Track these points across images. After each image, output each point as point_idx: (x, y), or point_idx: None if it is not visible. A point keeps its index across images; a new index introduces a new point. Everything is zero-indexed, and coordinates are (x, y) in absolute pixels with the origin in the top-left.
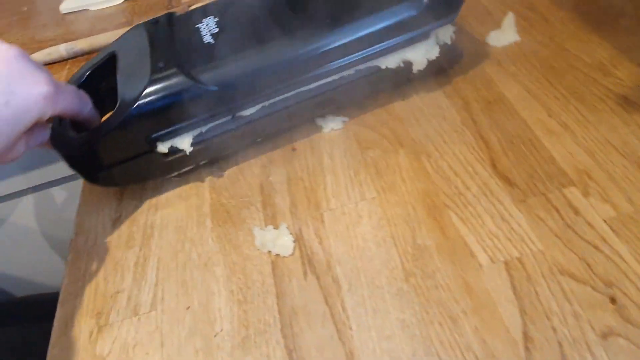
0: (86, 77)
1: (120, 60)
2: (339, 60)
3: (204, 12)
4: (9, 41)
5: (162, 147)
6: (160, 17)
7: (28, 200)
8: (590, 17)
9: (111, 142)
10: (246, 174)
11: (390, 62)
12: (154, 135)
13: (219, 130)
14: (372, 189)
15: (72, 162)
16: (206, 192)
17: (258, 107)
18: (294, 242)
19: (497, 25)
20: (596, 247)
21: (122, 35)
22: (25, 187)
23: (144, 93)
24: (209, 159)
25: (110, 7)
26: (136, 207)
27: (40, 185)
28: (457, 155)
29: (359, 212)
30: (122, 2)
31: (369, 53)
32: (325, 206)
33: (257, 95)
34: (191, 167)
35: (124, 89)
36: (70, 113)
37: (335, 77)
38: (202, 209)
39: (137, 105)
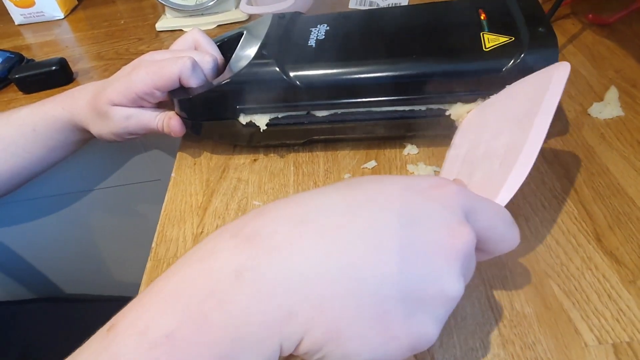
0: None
1: (243, 40)
2: (410, 94)
3: (321, 19)
4: (104, 49)
5: (243, 119)
6: (288, 13)
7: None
8: None
9: (208, 100)
10: None
11: (459, 111)
12: (240, 106)
13: (293, 120)
14: None
15: (183, 108)
16: None
17: (331, 112)
18: None
19: (599, 97)
20: None
21: (255, 20)
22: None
23: (240, 72)
24: (278, 143)
25: (204, 30)
26: (218, 227)
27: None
28: (559, 224)
29: None
30: (214, 27)
31: (437, 96)
32: None
33: (332, 102)
34: (261, 144)
35: (233, 64)
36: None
37: (405, 108)
38: None
39: (230, 80)
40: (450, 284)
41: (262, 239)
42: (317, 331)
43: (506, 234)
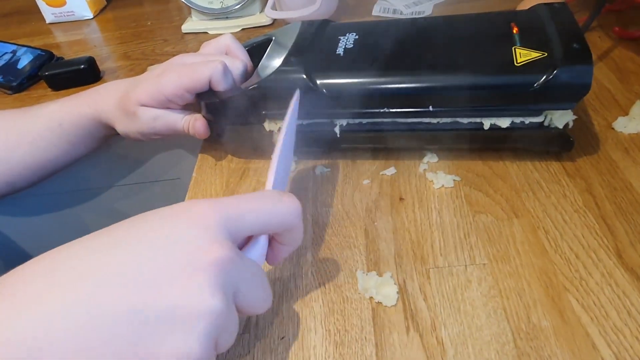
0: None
1: (272, 46)
2: (438, 107)
3: (350, 27)
4: (131, 50)
5: (268, 125)
6: (317, 20)
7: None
8: None
9: (235, 104)
10: (351, 215)
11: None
12: (265, 112)
13: (317, 128)
14: (482, 254)
15: (210, 111)
16: (309, 226)
17: (356, 121)
18: (398, 293)
19: (624, 112)
20: None
21: (284, 27)
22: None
23: (267, 78)
24: (301, 150)
25: (227, 33)
26: None
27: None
28: (579, 238)
29: (468, 276)
30: (239, 31)
31: (465, 109)
32: (432, 263)
33: (357, 111)
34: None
35: (261, 69)
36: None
37: (433, 120)
38: (303, 241)
39: (258, 85)
40: (203, 299)
41: (14, 293)
42: None
43: (272, 213)
